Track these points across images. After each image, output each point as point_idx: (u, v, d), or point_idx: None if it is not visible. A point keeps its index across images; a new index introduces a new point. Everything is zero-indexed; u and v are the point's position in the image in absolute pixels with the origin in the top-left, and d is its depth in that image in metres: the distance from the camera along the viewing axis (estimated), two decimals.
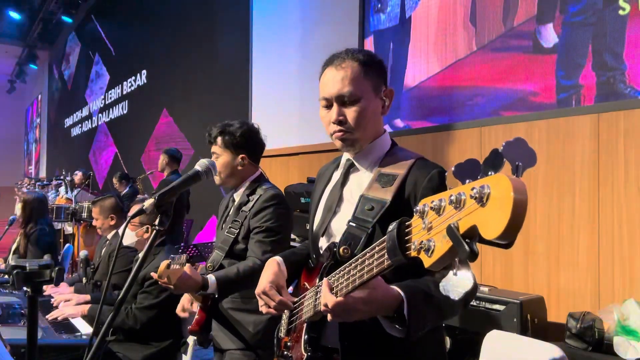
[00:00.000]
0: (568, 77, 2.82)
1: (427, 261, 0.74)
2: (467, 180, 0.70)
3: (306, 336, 1.22)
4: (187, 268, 1.76)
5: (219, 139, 2.06)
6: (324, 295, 1.03)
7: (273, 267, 1.33)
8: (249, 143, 2.09)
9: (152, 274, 1.80)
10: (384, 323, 1.06)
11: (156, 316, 2.50)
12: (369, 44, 4.20)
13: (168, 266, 1.71)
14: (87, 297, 2.96)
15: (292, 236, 4.05)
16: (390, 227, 0.84)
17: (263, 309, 1.29)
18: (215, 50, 6.93)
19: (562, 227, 2.81)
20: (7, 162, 20.70)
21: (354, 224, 1.18)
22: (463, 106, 3.39)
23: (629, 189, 2.57)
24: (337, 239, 1.25)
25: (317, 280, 1.21)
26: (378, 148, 1.32)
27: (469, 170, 0.71)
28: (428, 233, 0.74)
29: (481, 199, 0.64)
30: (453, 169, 0.73)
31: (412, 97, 3.80)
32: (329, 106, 1.28)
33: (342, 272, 1.03)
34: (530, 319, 2.51)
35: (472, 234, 0.66)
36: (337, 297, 1.01)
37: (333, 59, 1.29)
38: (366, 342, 1.19)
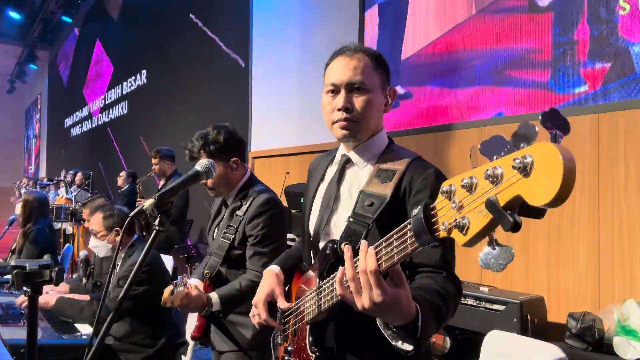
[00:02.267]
0: (564, 33, 2.88)
1: (462, 239, 0.73)
2: (495, 157, 0.70)
3: (311, 337, 1.20)
4: (192, 289, 1.76)
5: (203, 152, 1.96)
6: (367, 257, 0.91)
7: (270, 279, 1.36)
8: (234, 145, 2.04)
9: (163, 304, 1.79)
10: (390, 335, 0.98)
11: (129, 308, 2.43)
12: (373, 14, 4.20)
13: (172, 292, 1.72)
14: (87, 297, 2.95)
15: (292, 236, 4.05)
16: (415, 211, 0.82)
17: (254, 320, 1.35)
18: (215, 50, 6.93)
19: (562, 227, 2.81)
20: (7, 162, 20.71)
21: (354, 220, 1.17)
22: (463, 69, 3.46)
23: (629, 189, 2.57)
24: (335, 237, 1.23)
25: (318, 280, 1.19)
26: (376, 144, 1.30)
27: (496, 147, 0.71)
28: (459, 212, 0.74)
29: (525, 169, 0.64)
30: (480, 146, 0.74)
31: (412, 64, 3.85)
32: (335, 92, 1.26)
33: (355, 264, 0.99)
34: (530, 319, 2.51)
35: (512, 206, 0.66)
36: None
37: (344, 49, 1.28)
38: (362, 342, 1.18)
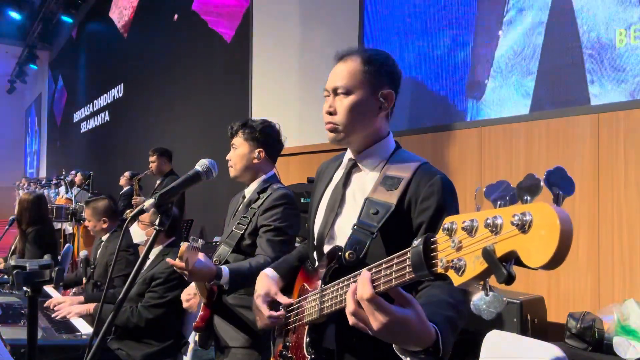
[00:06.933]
0: None
1: (457, 280, 0.74)
2: (499, 203, 0.71)
3: (308, 338, 1.21)
4: (201, 256, 1.76)
5: (240, 132, 2.14)
6: (362, 284, 0.91)
7: (262, 280, 1.37)
8: (267, 139, 2.15)
9: (169, 259, 1.78)
10: (407, 356, 0.95)
11: (161, 314, 2.53)
12: None
13: (188, 248, 1.71)
14: (81, 298, 2.93)
15: None
16: (415, 243, 0.83)
17: (259, 324, 1.33)
18: (215, 49, 6.93)
19: None
20: (7, 162, 20.69)
21: (358, 228, 1.17)
22: None
23: (629, 189, 2.57)
24: (338, 241, 1.24)
25: (321, 284, 1.19)
26: (382, 150, 1.31)
27: (501, 192, 0.72)
28: (457, 252, 0.75)
29: (523, 226, 0.64)
30: (484, 189, 0.75)
31: None
32: (327, 97, 1.31)
33: (352, 280, 1.01)
34: (530, 319, 2.51)
35: (509, 258, 0.67)
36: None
37: (343, 55, 1.31)
38: (363, 344, 1.18)
